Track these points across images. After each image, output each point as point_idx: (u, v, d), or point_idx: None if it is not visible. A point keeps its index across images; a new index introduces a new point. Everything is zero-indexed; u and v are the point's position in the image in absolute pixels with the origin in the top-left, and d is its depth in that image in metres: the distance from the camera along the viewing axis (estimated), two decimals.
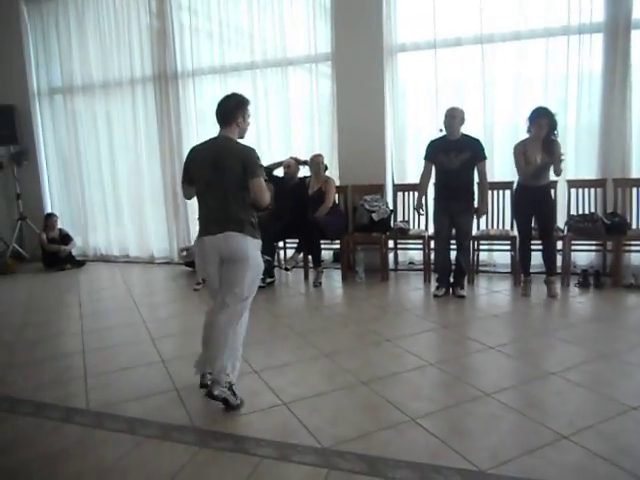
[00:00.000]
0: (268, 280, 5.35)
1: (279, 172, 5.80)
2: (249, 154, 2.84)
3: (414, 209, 5.09)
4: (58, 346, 4.04)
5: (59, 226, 7.02)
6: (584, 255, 5.23)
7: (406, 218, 5.62)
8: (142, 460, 2.38)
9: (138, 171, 6.93)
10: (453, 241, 4.80)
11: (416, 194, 5.04)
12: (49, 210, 7.31)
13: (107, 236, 7.35)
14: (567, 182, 5.13)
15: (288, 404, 2.82)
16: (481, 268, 5.48)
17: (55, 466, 2.37)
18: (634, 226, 4.99)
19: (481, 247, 5.35)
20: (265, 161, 5.86)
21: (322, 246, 5.55)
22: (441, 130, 4.74)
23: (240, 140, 2.98)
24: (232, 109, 2.89)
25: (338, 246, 5.78)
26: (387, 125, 5.72)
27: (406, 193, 5.65)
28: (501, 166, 5.29)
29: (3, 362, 3.72)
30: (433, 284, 5.00)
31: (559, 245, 4.83)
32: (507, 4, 5.24)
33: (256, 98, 6.14)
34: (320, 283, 5.37)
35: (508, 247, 5.14)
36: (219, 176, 2.80)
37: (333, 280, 5.64)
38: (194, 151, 2.99)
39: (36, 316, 4.84)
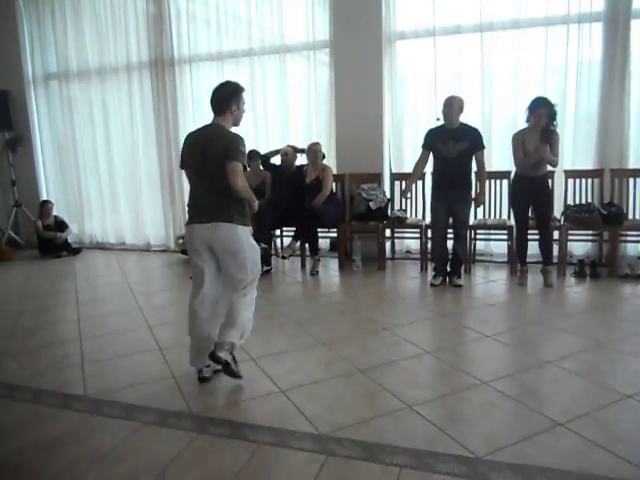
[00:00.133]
0: (265, 268, 5.34)
1: (276, 160, 5.79)
2: (233, 140, 2.81)
3: (400, 193, 5.06)
4: (55, 333, 4.03)
5: (54, 213, 6.98)
6: (580, 245, 5.25)
7: (403, 207, 5.62)
8: (140, 446, 2.39)
9: (134, 158, 6.89)
10: (450, 230, 4.81)
11: (414, 183, 5.02)
12: (44, 197, 7.27)
13: (103, 223, 7.32)
14: (564, 172, 5.13)
15: (285, 391, 2.83)
16: (478, 257, 5.49)
17: (53, 452, 2.37)
18: (630, 216, 5.00)
19: (478, 236, 5.36)
20: (262, 149, 5.89)
21: (319, 234, 5.55)
22: (438, 119, 4.74)
23: (236, 128, 2.98)
24: (226, 97, 2.88)
25: (335, 234, 5.78)
26: (385, 113, 5.69)
27: (403, 182, 5.60)
28: (499, 155, 5.29)
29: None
30: (430, 273, 5.01)
31: (556, 235, 4.83)
32: None
33: (253, 85, 6.12)
34: (317, 271, 5.38)
35: (505, 237, 5.15)
36: (207, 164, 2.81)
37: (330, 269, 5.65)
38: (188, 137, 2.99)
39: (32, 303, 4.83)
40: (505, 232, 5.12)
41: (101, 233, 7.34)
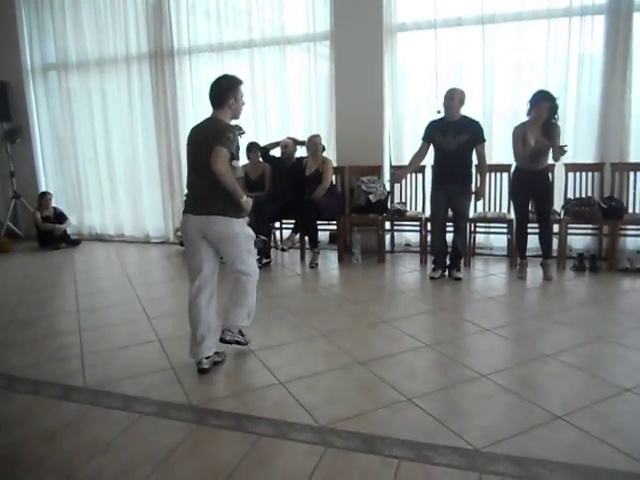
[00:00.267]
0: (264, 261, 5.35)
1: (276, 152, 5.77)
2: (222, 128, 2.84)
3: (390, 175, 5.03)
4: (54, 325, 4.03)
5: (54, 205, 6.97)
6: (580, 239, 5.24)
7: (403, 200, 5.61)
8: (139, 437, 2.39)
9: (133, 150, 6.87)
10: (450, 223, 4.80)
11: (414, 176, 5.01)
12: (43, 188, 7.25)
13: (102, 215, 7.30)
14: (565, 166, 5.11)
15: (285, 383, 2.83)
16: (477, 251, 5.49)
17: (52, 443, 2.38)
18: (630, 210, 5.00)
19: (478, 230, 5.35)
20: (262, 141, 5.87)
21: (319, 227, 5.54)
22: (439, 112, 4.72)
23: (235, 121, 3.01)
24: (223, 91, 2.91)
25: (335, 227, 5.76)
26: (385, 106, 5.67)
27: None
28: (499, 148, 5.25)
29: None
30: (429, 266, 5.01)
31: (555, 228, 4.83)
32: None
33: (253, 77, 6.07)
34: (316, 264, 5.37)
35: (505, 230, 5.14)
36: (203, 157, 2.82)
37: (329, 261, 5.64)
38: (191, 131, 3.04)
39: (32, 295, 4.82)
40: (505, 225, 5.11)
41: (100, 225, 7.33)
